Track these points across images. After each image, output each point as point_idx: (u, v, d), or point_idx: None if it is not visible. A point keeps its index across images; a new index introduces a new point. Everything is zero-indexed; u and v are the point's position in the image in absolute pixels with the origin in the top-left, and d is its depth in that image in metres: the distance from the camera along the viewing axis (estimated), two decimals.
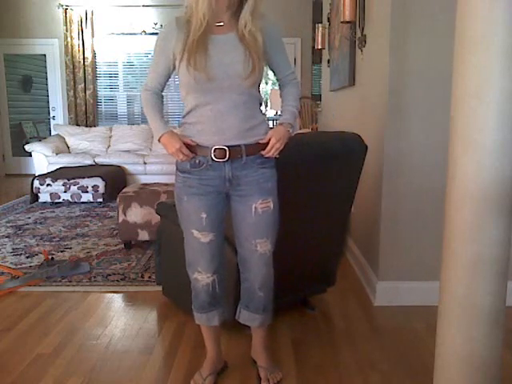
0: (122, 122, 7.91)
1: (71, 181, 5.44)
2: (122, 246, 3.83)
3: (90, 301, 2.84)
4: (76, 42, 7.54)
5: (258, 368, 2.03)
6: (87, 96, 7.69)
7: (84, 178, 5.47)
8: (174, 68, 1.75)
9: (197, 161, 1.73)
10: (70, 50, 7.56)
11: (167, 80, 1.79)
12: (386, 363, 2.15)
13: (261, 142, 1.74)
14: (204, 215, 1.76)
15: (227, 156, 1.70)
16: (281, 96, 1.88)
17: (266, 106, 8.85)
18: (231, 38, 1.69)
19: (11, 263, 3.48)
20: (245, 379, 2.03)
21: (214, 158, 1.70)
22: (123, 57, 7.78)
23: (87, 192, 5.48)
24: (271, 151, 1.73)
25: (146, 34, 7.56)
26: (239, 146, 1.71)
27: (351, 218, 3.40)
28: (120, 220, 3.71)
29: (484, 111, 1.28)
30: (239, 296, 2.00)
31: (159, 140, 1.77)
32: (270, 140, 1.73)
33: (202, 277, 1.85)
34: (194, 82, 1.66)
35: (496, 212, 1.31)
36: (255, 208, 1.77)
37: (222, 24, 1.70)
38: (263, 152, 1.74)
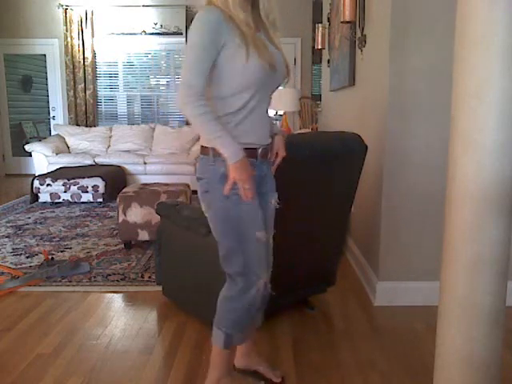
0: (122, 122, 7.91)
1: (71, 181, 5.44)
2: (122, 245, 3.83)
3: (90, 301, 2.84)
4: (76, 41, 7.54)
5: (261, 371, 2.01)
6: (87, 96, 7.69)
7: (84, 177, 5.47)
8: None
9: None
10: (69, 50, 7.56)
11: None
12: (386, 363, 2.15)
13: (273, 157, 1.80)
14: (260, 214, 1.70)
15: (269, 155, 1.74)
16: None
17: None
18: (264, 37, 1.67)
19: (11, 263, 3.48)
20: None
21: (260, 158, 1.70)
22: (123, 57, 7.77)
23: (87, 192, 5.48)
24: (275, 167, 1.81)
25: (145, 34, 7.56)
26: (269, 144, 1.75)
27: (351, 217, 3.41)
28: (120, 220, 3.71)
29: (484, 111, 1.28)
30: None
31: (231, 164, 1.58)
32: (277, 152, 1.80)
33: (262, 282, 1.73)
34: (263, 74, 1.57)
35: (496, 212, 1.31)
36: (271, 203, 1.81)
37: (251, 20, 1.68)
38: (273, 170, 1.81)
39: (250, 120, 1.63)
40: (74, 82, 7.65)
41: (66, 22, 7.50)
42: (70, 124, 7.64)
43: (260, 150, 1.68)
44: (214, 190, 1.65)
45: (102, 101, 7.90)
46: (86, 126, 7.59)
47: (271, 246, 1.85)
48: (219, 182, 1.63)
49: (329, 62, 4.60)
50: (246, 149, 1.60)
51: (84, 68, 7.61)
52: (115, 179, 5.82)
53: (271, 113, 8.98)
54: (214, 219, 1.71)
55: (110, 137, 6.89)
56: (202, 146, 1.69)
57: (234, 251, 1.70)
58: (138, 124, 7.54)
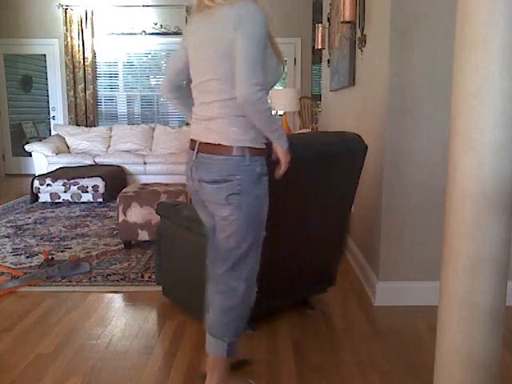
0: (122, 121, 7.91)
1: (71, 181, 5.44)
2: (122, 245, 3.83)
3: (90, 301, 2.84)
4: (76, 41, 7.54)
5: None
6: (87, 96, 7.69)
7: (84, 177, 5.47)
8: None
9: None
10: (69, 50, 7.56)
11: None
12: (386, 363, 2.15)
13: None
14: None
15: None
16: None
17: None
18: None
19: (11, 263, 3.48)
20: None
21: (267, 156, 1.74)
22: (123, 57, 7.77)
23: (87, 192, 5.48)
24: None
25: (146, 34, 7.56)
26: None
27: (351, 217, 3.41)
28: (120, 220, 3.71)
29: (484, 111, 1.28)
30: None
31: (285, 152, 1.71)
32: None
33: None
34: (276, 79, 1.69)
35: (496, 212, 1.31)
36: None
37: None
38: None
39: None
40: (74, 82, 7.65)
41: (66, 22, 7.50)
42: (70, 124, 7.65)
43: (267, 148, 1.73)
44: (249, 191, 1.64)
45: (102, 101, 7.90)
46: (86, 126, 7.59)
47: None
48: (255, 182, 1.65)
49: (329, 61, 4.60)
50: (268, 145, 1.70)
51: (84, 68, 7.61)
52: (115, 179, 5.82)
53: None
54: (242, 221, 1.66)
55: (110, 137, 6.88)
56: (231, 147, 1.62)
57: (251, 254, 1.72)
58: (138, 124, 7.54)
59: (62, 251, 3.76)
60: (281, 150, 1.69)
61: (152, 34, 7.55)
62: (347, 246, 3.55)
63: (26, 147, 6.36)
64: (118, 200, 3.74)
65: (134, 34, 7.58)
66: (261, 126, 1.60)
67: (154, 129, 6.94)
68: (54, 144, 6.46)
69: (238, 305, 1.75)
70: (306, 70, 7.63)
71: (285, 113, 5.51)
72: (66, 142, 6.77)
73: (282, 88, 6.30)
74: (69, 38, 7.53)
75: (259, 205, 1.68)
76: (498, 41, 1.24)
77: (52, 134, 7.73)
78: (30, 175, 7.08)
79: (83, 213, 5.11)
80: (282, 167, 1.72)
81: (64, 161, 6.25)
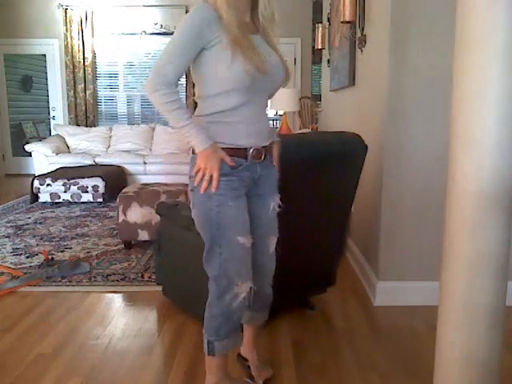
0: (122, 121, 7.91)
1: (71, 181, 5.44)
2: (122, 245, 3.83)
3: (90, 301, 2.84)
4: (76, 42, 7.54)
5: (249, 366, 2.03)
6: (87, 96, 7.69)
7: (84, 177, 5.47)
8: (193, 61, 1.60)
9: (235, 162, 1.63)
10: (70, 50, 7.56)
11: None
12: (386, 363, 2.15)
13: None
14: (247, 217, 1.68)
15: (263, 157, 1.69)
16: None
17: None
18: (261, 39, 1.67)
19: (11, 263, 3.48)
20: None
21: (252, 158, 1.66)
22: (123, 57, 7.77)
23: (87, 192, 5.48)
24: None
25: (146, 34, 7.56)
26: (267, 146, 1.73)
27: (351, 217, 3.40)
28: (120, 220, 3.71)
29: (484, 111, 1.28)
30: None
31: (198, 152, 1.59)
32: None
33: (241, 289, 1.69)
34: (248, 78, 1.54)
35: (496, 211, 1.31)
36: (272, 206, 1.79)
37: (247, 22, 1.66)
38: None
39: (240, 121, 1.62)
40: (74, 82, 7.66)
41: (66, 22, 7.50)
42: (70, 124, 7.64)
43: (251, 151, 1.65)
44: (197, 189, 1.64)
45: (102, 101, 7.91)
46: (86, 126, 7.59)
47: (274, 251, 1.85)
48: (201, 181, 1.62)
49: (329, 61, 4.60)
50: (234, 148, 1.61)
51: (84, 68, 7.61)
52: (115, 179, 5.82)
53: (270, 112, 9.01)
54: (195, 219, 1.70)
55: (110, 137, 6.89)
56: None
57: (212, 253, 1.69)
58: (138, 124, 7.54)
59: (62, 251, 3.76)
60: (196, 151, 1.59)
61: (152, 34, 7.55)
62: (347, 246, 3.55)
63: (26, 147, 6.36)
64: (117, 200, 3.74)
65: (135, 34, 7.58)
66: (168, 120, 1.60)
67: (153, 129, 6.94)
68: (54, 144, 6.46)
69: (214, 304, 1.72)
70: (306, 70, 7.63)
71: (285, 113, 5.51)
72: (66, 142, 6.77)
73: (281, 88, 6.28)
74: (69, 38, 7.53)
75: (208, 208, 1.63)
76: (498, 40, 1.24)
77: (52, 134, 7.73)
78: (29, 175, 7.08)
79: (83, 213, 5.11)
80: (194, 171, 1.60)
81: (64, 161, 6.25)
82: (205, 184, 1.58)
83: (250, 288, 1.71)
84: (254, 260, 1.76)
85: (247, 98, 1.60)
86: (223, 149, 1.60)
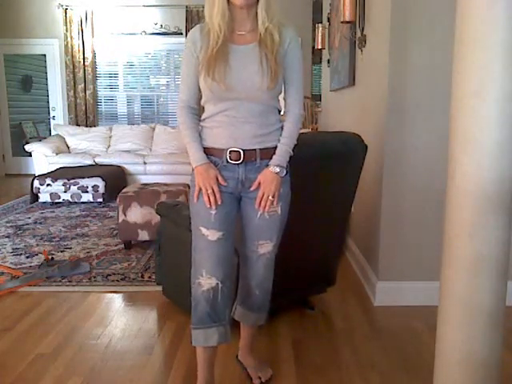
0: (122, 122, 7.91)
1: (71, 181, 5.44)
2: (122, 246, 3.83)
3: (90, 301, 2.84)
4: (76, 42, 7.54)
5: (246, 368, 2.04)
6: (87, 96, 7.69)
7: (84, 177, 5.47)
8: None
9: (212, 161, 1.73)
10: (70, 50, 7.56)
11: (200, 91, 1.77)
12: (385, 363, 2.15)
13: (253, 187, 1.75)
14: (213, 211, 1.72)
15: (242, 158, 1.71)
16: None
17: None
18: (252, 49, 1.67)
19: (11, 263, 3.48)
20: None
21: (228, 159, 1.71)
22: (123, 57, 7.77)
23: (87, 192, 5.48)
24: (266, 207, 1.74)
25: (146, 34, 7.56)
26: (254, 150, 1.72)
27: (351, 217, 3.40)
28: (120, 220, 3.71)
29: (484, 110, 1.28)
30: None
31: (194, 168, 1.78)
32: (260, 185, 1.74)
33: (205, 281, 1.74)
34: (209, 92, 1.68)
35: (496, 211, 1.31)
36: (259, 213, 1.77)
37: (243, 33, 1.69)
38: (256, 206, 1.75)
39: (218, 125, 1.72)
40: (74, 82, 7.66)
41: (66, 22, 7.50)
42: (69, 124, 7.64)
43: (228, 152, 1.70)
44: (192, 184, 1.80)
45: (102, 101, 7.90)
46: (86, 126, 7.59)
47: (265, 256, 1.84)
48: (193, 186, 1.78)
49: (329, 61, 4.60)
50: (211, 148, 1.74)
51: (84, 68, 7.61)
52: (115, 179, 5.82)
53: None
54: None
55: (110, 137, 6.89)
56: None
57: (193, 244, 1.80)
58: (138, 124, 7.54)
59: (62, 251, 3.76)
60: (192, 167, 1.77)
61: (152, 34, 7.55)
62: (347, 246, 3.55)
63: (26, 147, 6.36)
64: (117, 200, 3.74)
65: (134, 34, 7.58)
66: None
67: (153, 129, 6.94)
68: (54, 144, 6.46)
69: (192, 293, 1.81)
70: (306, 70, 7.63)
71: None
72: (65, 142, 6.77)
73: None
74: (69, 38, 7.53)
75: (190, 198, 1.80)
76: (498, 40, 1.24)
77: (52, 134, 7.73)
78: (29, 175, 7.08)
79: (83, 213, 5.11)
80: (196, 187, 1.74)
81: (64, 161, 6.25)
82: (206, 198, 1.71)
83: (217, 284, 1.75)
84: (244, 255, 1.88)
85: (223, 106, 1.69)
86: (205, 148, 1.75)
